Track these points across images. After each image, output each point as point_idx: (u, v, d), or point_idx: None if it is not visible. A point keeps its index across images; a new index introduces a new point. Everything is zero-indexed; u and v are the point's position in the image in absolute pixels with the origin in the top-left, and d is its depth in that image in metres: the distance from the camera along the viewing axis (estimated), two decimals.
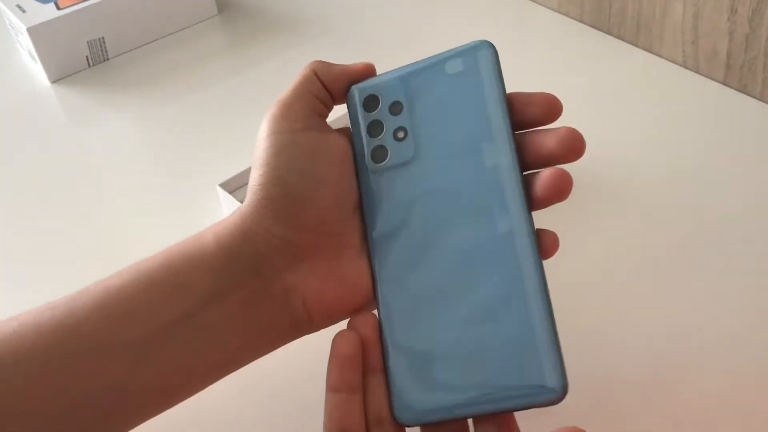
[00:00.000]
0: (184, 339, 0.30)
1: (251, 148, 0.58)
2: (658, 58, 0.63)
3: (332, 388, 0.29)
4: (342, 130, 0.35)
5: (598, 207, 0.50)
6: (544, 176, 0.30)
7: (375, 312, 0.32)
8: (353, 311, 0.33)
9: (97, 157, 0.59)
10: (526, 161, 0.31)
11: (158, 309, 0.30)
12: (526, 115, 0.32)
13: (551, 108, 0.32)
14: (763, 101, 0.57)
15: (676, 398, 0.39)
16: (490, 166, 0.31)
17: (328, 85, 0.35)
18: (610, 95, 0.60)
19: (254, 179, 0.33)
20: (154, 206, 0.54)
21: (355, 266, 0.32)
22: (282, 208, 0.31)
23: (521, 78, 0.63)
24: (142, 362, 0.30)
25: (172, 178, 0.56)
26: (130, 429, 0.31)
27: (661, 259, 0.46)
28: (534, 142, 0.31)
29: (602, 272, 0.46)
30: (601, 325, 0.43)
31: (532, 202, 0.31)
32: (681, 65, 0.62)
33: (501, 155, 0.31)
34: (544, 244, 0.30)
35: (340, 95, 0.35)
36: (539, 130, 0.32)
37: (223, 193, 0.49)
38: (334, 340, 0.30)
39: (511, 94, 0.32)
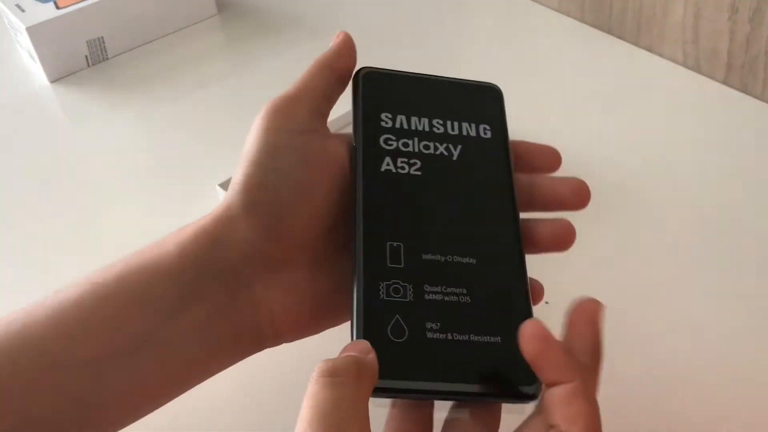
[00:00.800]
0: (145, 354, 0.29)
1: None
2: (658, 58, 0.63)
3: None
4: (341, 136, 0.34)
5: (597, 206, 0.50)
6: (555, 223, 0.33)
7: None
8: (321, 329, 0.32)
9: (96, 157, 0.59)
10: (531, 201, 0.34)
11: (117, 326, 0.29)
12: (534, 164, 0.34)
13: (553, 159, 0.34)
14: (764, 101, 0.57)
15: (675, 398, 0.38)
16: None
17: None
18: (610, 95, 0.60)
19: (240, 177, 0.30)
20: (154, 206, 0.54)
21: (328, 282, 0.31)
22: (264, 216, 0.30)
23: (521, 78, 0.64)
24: (102, 379, 0.28)
25: (172, 178, 0.56)
26: None
27: (660, 259, 0.46)
28: (542, 185, 0.34)
29: (601, 272, 0.46)
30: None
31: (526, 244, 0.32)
32: (681, 65, 0.62)
33: None
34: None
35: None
36: (550, 176, 0.34)
37: (223, 193, 0.49)
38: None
39: (516, 142, 0.35)
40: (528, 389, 0.28)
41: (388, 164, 0.32)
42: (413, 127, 0.34)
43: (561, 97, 0.60)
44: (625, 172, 0.52)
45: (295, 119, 0.31)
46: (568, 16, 0.69)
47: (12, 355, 0.28)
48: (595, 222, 0.49)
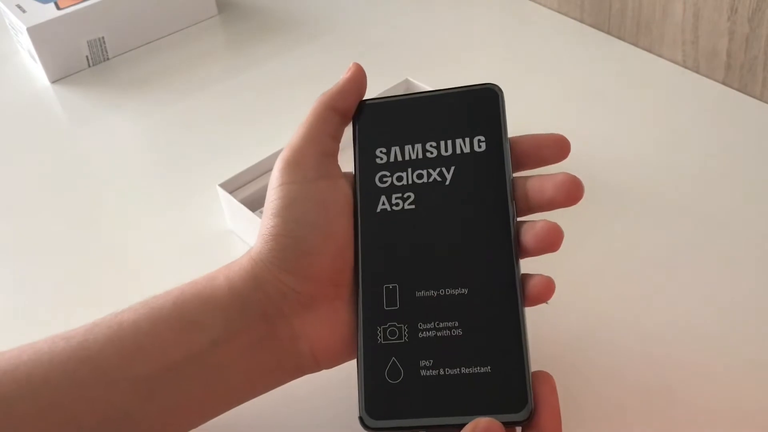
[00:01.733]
0: (192, 376, 0.31)
1: (251, 147, 0.58)
2: (658, 58, 0.63)
3: None
4: (349, 175, 0.36)
5: (598, 207, 0.50)
6: (536, 228, 0.32)
7: None
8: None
9: (97, 157, 0.59)
10: (529, 206, 0.33)
11: (169, 347, 0.31)
12: (541, 156, 0.34)
13: (562, 148, 0.34)
14: (763, 101, 0.57)
15: (676, 398, 0.39)
16: None
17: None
18: (610, 95, 0.60)
19: (266, 229, 0.33)
20: (154, 206, 0.54)
21: None
22: (291, 260, 0.32)
23: (521, 78, 0.64)
24: (150, 396, 0.31)
25: (172, 178, 0.56)
26: None
27: (660, 259, 0.46)
28: (534, 188, 0.33)
29: (601, 272, 0.46)
30: (600, 325, 0.43)
31: (519, 251, 0.32)
32: (681, 65, 0.62)
33: None
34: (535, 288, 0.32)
35: None
36: (540, 175, 0.33)
37: (223, 193, 0.49)
38: None
39: (522, 137, 0.34)
40: (519, 415, 0.29)
41: (383, 203, 0.34)
42: (407, 157, 0.35)
43: (560, 98, 0.61)
44: (625, 173, 0.52)
45: (304, 169, 0.34)
46: (568, 16, 0.69)
47: (70, 368, 0.30)
48: (595, 222, 0.49)
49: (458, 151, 0.34)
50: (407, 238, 0.33)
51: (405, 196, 0.34)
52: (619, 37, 0.66)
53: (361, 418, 0.30)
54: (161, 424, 0.31)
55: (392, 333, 0.31)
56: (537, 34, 0.69)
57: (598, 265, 0.46)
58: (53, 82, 0.68)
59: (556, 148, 0.34)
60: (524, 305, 0.31)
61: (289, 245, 0.32)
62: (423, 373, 0.30)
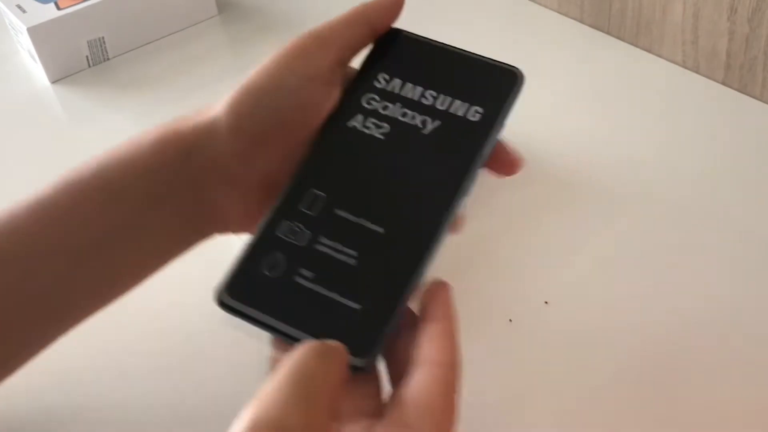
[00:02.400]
0: (118, 245, 0.32)
1: None
2: (658, 58, 0.63)
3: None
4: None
5: (597, 207, 0.50)
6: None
7: None
8: None
9: None
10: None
11: (92, 219, 0.31)
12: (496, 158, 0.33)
13: (512, 167, 0.33)
14: (763, 101, 0.57)
15: (675, 398, 0.39)
16: None
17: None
18: (610, 95, 0.60)
19: (236, 97, 0.33)
20: None
21: None
22: (244, 144, 0.32)
23: None
24: (77, 267, 0.31)
25: None
26: (75, 324, 0.32)
27: (660, 259, 0.46)
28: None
29: (601, 272, 0.46)
30: (600, 325, 0.43)
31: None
32: (681, 65, 0.62)
33: None
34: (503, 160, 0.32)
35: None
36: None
37: None
38: None
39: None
40: (359, 361, 0.28)
41: (356, 121, 0.34)
42: (403, 93, 0.34)
43: (560, 98, 0.61)
44: (625, 173, 0.52)
45: (314, 65, 0.33)
46: (568, 16, 0.69)
47: None
48: (595, 222, 0.49)
49: (452, 110, 0.34)
50: (359, 161, 0.33)
51: (380, 124, 0.34)
52: (619, 37, 0.66)
53: (218, 292, 0.30)
54: (93, 291, 0.32)
55: (293, 232, 0.31)
56: (537, 34, 0.69)
57: (598, 264, 0.46)
58: (53, 82, 0.68)
59: (508, 161, 0.33)
60: (430, 267, 0.30)
61: (249, 129, 0.32)
62: (298, 280, 0.30)
